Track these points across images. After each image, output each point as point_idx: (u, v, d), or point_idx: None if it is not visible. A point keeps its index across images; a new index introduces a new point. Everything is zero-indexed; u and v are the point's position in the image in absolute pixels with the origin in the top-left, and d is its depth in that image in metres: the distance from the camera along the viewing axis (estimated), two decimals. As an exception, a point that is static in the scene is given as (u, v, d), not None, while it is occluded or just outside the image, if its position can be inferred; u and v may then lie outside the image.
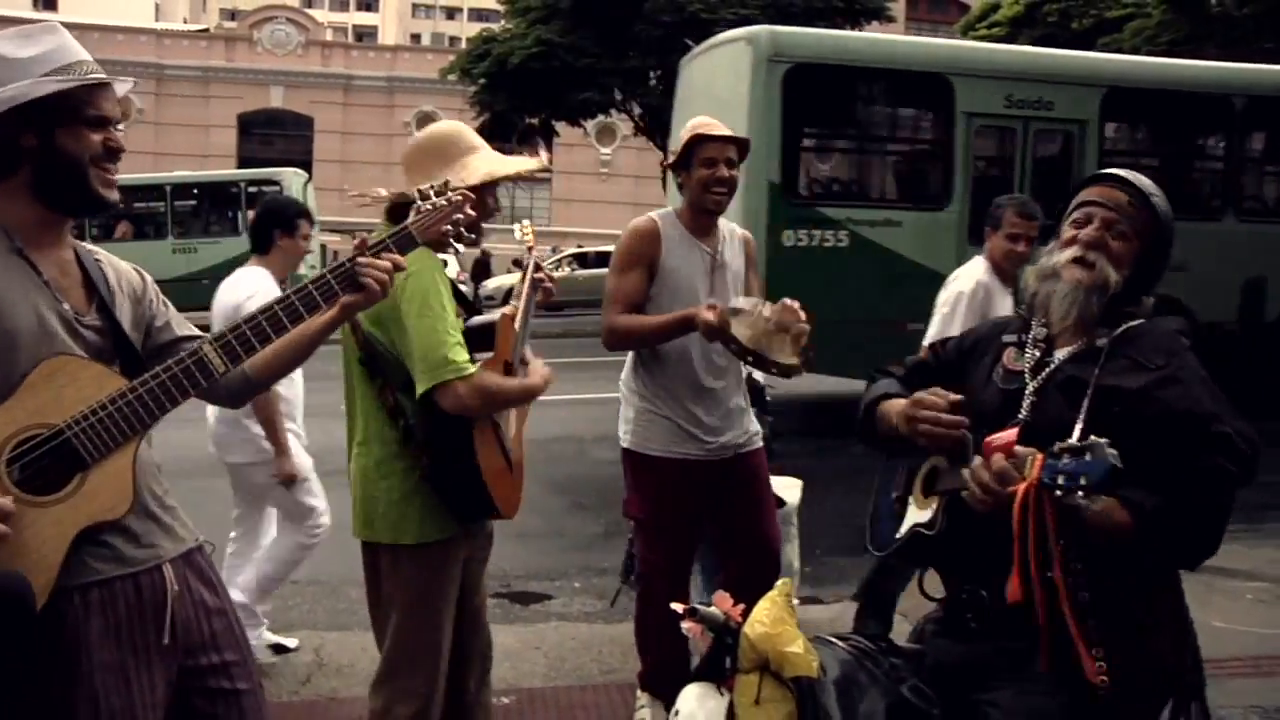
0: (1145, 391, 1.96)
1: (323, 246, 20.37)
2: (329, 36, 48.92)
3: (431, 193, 2.10)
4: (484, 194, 2.61)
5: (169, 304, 2.13)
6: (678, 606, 1.93)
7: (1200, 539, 1.93)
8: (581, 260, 27.36)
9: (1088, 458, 1.75)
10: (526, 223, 3.08)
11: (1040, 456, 1.81)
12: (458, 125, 2.80)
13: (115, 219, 22.18)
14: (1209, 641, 2.30)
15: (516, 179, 2.77)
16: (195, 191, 21.42)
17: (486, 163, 2.66)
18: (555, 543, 6.60)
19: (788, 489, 4.34)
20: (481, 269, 27.06)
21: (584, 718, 3.87)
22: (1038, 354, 2.11)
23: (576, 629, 4.83)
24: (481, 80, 23.17)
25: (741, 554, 3.54)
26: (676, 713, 1.93)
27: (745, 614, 1.93)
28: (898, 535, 2.08)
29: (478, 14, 61.84)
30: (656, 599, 3.17)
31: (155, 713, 1.90)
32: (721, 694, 1.90)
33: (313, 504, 4.23)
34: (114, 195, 1.92)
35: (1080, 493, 1.76)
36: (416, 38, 71.57)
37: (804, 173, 10.20)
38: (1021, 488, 1.83)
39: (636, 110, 23.80)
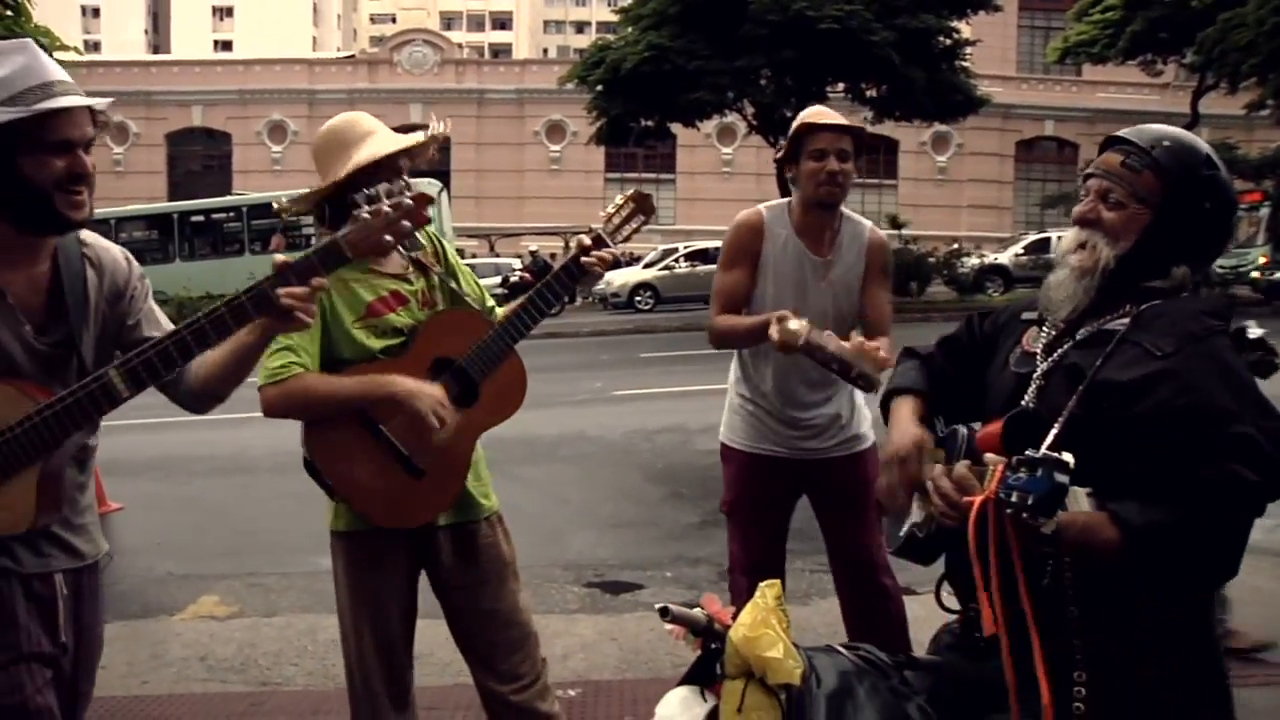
0: (1139, 385, 1.63)
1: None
2: (464, 55, 49.94)
3: (368, 199, 1.87)
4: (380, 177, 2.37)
5: (149, 300, 2.07)
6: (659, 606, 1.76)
7: (1206, 560, 1.59)
8: (701, 257, 27.17)
9: (1039, 473, 1.49)
10: (619, 199, 2.71)
11: (1001, 466, 1.56)
12: (352, 116, 2.57)
13: (271, 231, 23.06)
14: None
15: (401, 155, 2.45)
16: (338, 204, 22.17)
17: (368, 149, 2.44)
18: (650, 532, 6.44)
19: None
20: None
21: (649, 712, 3.71)
22: (1053, 333, 1.82)
23: (656, 620, 4.61)
24: (598, 87, 23.24)
25: (838, 560, 3.32)
26: (655, 716, 1.77)
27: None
28: (900, 534, 1.85)
29: (606, 26, 62.36)
30: (737, 593, 3.01)
31: (50, 705, 1.90)
32: (706, 700, 1.73)
33: None
34: (81, 215, 1.85)
35: (1026, 514, 1.50)
36: (547, 52, 72.66)
37: None
38: (977, 501, 1.57)
39: (749, 109, 23.50)
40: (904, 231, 33.13)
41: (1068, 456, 1.52)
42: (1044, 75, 43.76)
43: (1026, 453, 1.54)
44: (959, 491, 1.62)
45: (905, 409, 1.91)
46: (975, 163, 43.94)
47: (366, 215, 1.85)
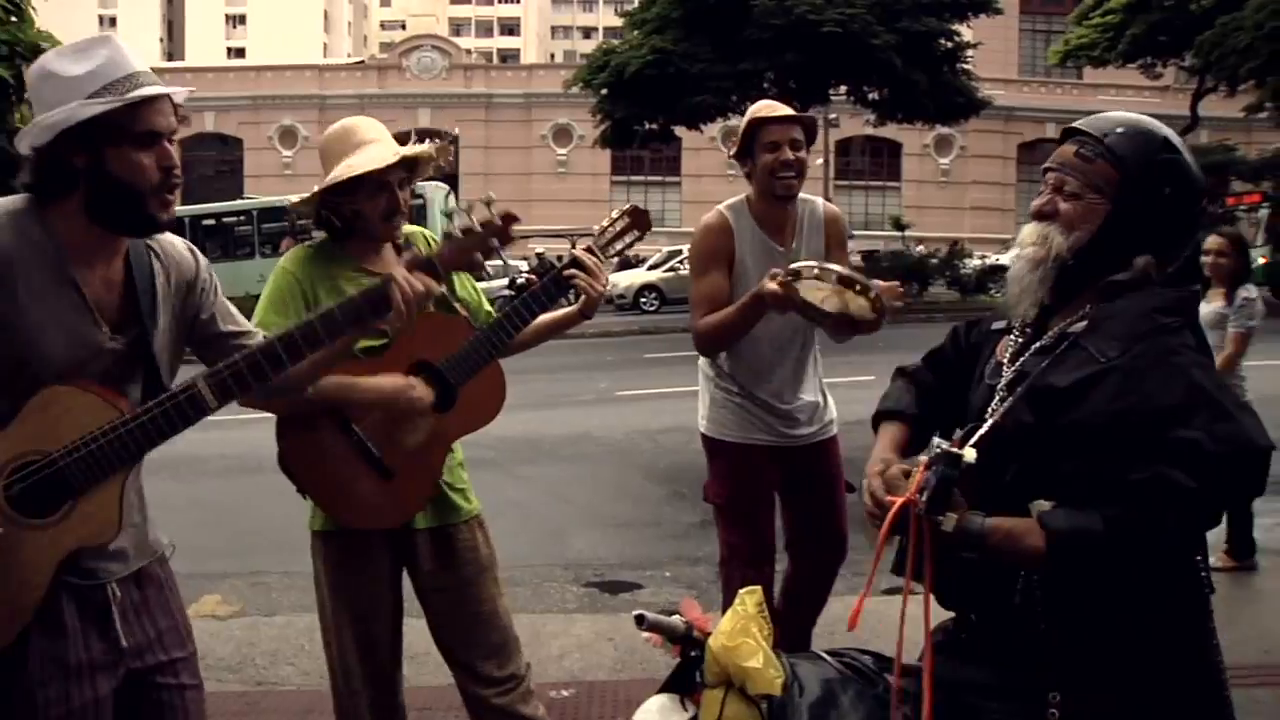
0: (1075, 389, 1.55)
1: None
2: (472, 60, 49.93)
3: (463, 220, 1.92)
4: (370, 191, 2.38)
5: (219, 293, 2.00)
6: (636, 614, 1.69)
7: (1130, 564, 1.50)
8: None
9: (930, 470, 1.45)
10: (615, 212, 2.70)
11: (922, 467, 1.50)
12: (353, 122, 2.52)
13: (281, 235, 22.99)
14: None
15: (389, 171, 2.38)
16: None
17: (355, 159, 2.38)
18: (651, 532, 6.38)
19: None
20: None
21: (642, 712, 3.65)
22: (1020, 341, 1.74)
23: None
24: (603, 90, 23.18)
25: (810, 543, 3.30)
26: (635, 726, 1.71)
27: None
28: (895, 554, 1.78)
29: (613, 31, 62.41)
30: (735, 584, 2.95)
31: (101, 714, 1.81)
32: (685, 708, 1.66)
33: None
34: (169, 216, 1.79)
35: (927, 510, 1.44)
36: (554, 57, 72.62)
37: None
38: (898, 502, 1.51)
39: (753, 112, 23.44)
40: (907, 233, 33.00)
41: (969, 453, 1.47)
42: (1045, 78, 43.69)
43: (938, 448, 1.51)
44: (886, 492, 1.57)
45: (885, 437, 1.85)
46: (978, 165, 43.81)
47: (458, 234, 1.88)
